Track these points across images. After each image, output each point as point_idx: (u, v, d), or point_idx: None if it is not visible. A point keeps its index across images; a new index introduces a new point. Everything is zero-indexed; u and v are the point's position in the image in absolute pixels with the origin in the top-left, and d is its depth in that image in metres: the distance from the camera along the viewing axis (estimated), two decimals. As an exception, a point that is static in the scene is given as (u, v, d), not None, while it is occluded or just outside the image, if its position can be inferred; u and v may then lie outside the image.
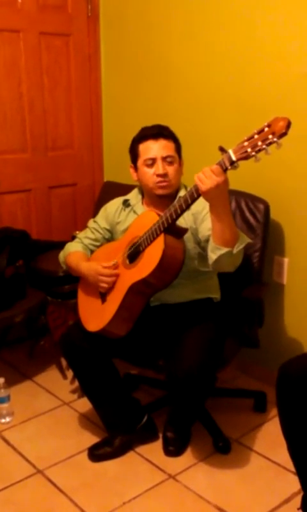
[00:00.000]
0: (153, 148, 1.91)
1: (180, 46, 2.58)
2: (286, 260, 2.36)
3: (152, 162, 1.91)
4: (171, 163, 1.92)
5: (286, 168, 2.23)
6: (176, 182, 1.95)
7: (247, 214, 2.25)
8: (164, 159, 1.91)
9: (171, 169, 1.91)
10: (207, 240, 1.80)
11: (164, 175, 1.90)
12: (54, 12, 2.83)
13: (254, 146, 1.47)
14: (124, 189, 2.22)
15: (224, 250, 1.70)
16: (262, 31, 2.23)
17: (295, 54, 2.14)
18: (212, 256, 1.74)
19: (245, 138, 1.50)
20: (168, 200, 1.95)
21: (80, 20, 2.93)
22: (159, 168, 1.90)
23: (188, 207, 1.71)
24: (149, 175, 1.92)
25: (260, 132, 1.46)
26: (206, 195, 1.61)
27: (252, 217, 2.24)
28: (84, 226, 2.24)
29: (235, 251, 1.71)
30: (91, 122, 3.09)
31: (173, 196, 1.96)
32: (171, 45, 2.62)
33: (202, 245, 1.89)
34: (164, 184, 1.91)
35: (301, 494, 1.67)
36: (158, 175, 1.90)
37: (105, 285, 1.94)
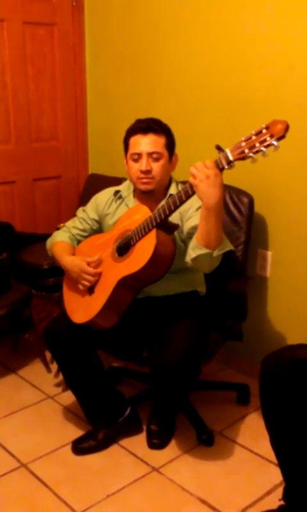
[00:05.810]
0: (141, 143, 1.89)
1: (165, 36, 2.56)
2: (269, 253, 2.37)
3: (138, 157, 1.89)
4: (157, 159, 1.89)
5: (270, 161, 2.21)
6: (161, 179, 1.92)
7: (232, 207, 2.26)
8: (149, 154, 1.88)
9: (156, 166, 1.89)
10: (190, 237, 1.78)
11: (147, 172, 1.88)
12: (38, 1, 2.79)
13: (251, 147, 1.47)
14: (109, 182, 2.20)
15: (205, 251, 1.68)
16: (249, 23, 2.22)
17: (282, 47, 2.13)
18: (191, 253, 1.73)
19: (243, 138, 1.49)
20: (157, 195, 1.94)
21: (65, 10, 2.89)
22: (143, 164, 1.88)
23: (182, 203, 1.69)
24: (134, 170, 1.91)
25: (258, 133, 1.46)
26: (197, 188, 1.59)
27: (236, 210, 2.25)
28: (68, 219, 2.21)
29: (215, 254, 1.69)
30: (75, 113, 3.06)
31: (161, 191, 1.95)
32: (156, 35, 2.60)
33: (184, 240, 1.87)
34: (146, 180, 1.89)
35: (283, 485, 1.69)
36: (141, 171, 1.88)
37: (86, 283, 1.94)
